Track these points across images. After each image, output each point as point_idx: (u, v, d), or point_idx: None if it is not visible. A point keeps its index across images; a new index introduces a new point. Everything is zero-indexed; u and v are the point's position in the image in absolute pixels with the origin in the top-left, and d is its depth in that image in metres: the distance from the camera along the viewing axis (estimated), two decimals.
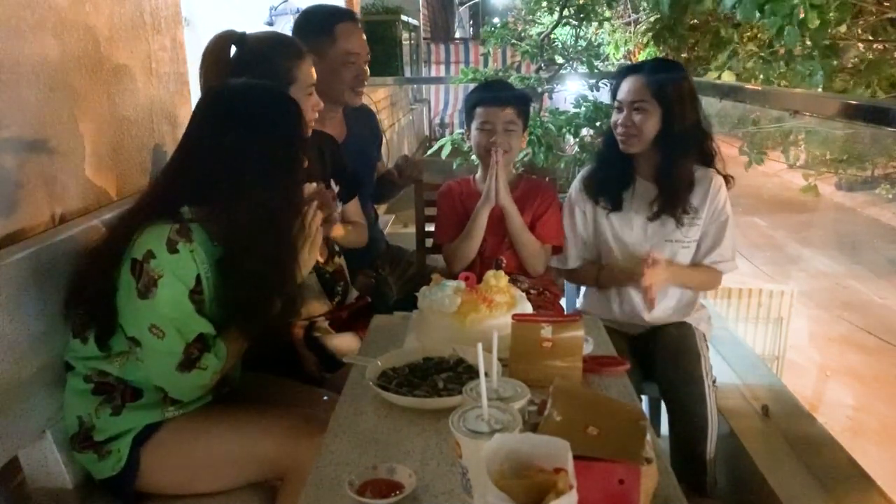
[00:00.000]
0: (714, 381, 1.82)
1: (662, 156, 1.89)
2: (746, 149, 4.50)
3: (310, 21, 2.08)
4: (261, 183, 1.34)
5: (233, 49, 1.74)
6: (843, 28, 4.38)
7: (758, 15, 3.23)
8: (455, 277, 1.57)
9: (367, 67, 2.12)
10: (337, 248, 1.91)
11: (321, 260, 1.83)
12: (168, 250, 1.28)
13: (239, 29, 1.79)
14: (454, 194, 2.13)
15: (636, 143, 1.89)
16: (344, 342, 1.78)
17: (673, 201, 1.88)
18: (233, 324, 1.40)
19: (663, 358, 1.87)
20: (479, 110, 2.00)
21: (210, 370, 1.35)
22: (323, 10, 2.10)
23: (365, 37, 2.13)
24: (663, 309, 1.98)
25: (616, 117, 1.92)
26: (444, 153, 3.90)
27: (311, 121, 1.74)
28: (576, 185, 2.06)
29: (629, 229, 1.95)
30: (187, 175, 1.38)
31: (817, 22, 3.16)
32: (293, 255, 1.43)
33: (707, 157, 1.94)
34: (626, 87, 1.89)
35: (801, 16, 3.15)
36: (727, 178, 1.95)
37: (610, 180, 1.97)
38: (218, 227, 1.34)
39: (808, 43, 3.80)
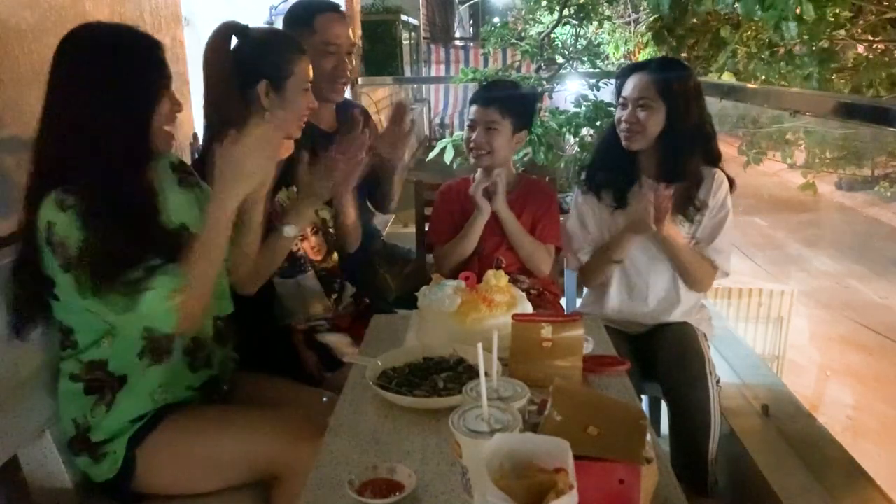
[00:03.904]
0: (718, 381, 1.82)
1: (667, 154, 1.89)
2: (745, 148, 4.50)
3: (292, 14, 2.09)
4: (110, 121, 1.29)
5: (234, 41, 1.75)
6: (842, 32, 4.39)
7: (759, 11, 3.20)
8: (455, 277, 1.57)
9: (349, 60, 2.10)
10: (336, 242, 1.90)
11: (317, 258, 1.83)
12: (60, 209, 1.24)
13: None
14: (453, 194, 2.13)
15: (640, 140, 1.89)
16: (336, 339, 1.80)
17: (681, 199, 1.88)
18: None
19: (666, 358, 1.87)
20: (470, 108, 2.06)
21: (163, 288, 1.26)
22: (305, 2, 2.10)
23: (351, 30, 2.12)
24: (666, 309, 1.98)
25: (620, 114, 1.92)
26: (447, 156, 3.88)
27: (305, 118, 1.75)
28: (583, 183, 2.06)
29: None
30: (51, 142, 1.31)
31: (813, 15, 3.13)
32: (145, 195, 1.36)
33: (711, 157, 1.94)
34: (632, 84, 1.89)
35: (798, 11, 3.13)
36: (730, 181, 1.95)
37: (614, 178, 1.97)
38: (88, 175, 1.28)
39: (807, 37, 3.78)
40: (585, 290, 2.19)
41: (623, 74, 1.96)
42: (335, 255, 1.87)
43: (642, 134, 1.87)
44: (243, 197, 1.33)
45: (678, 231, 1.88)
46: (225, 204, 1.31)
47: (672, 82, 1.85)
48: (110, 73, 1.30)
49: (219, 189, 1.31)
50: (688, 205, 1.90)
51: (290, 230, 1.62)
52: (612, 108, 3.65)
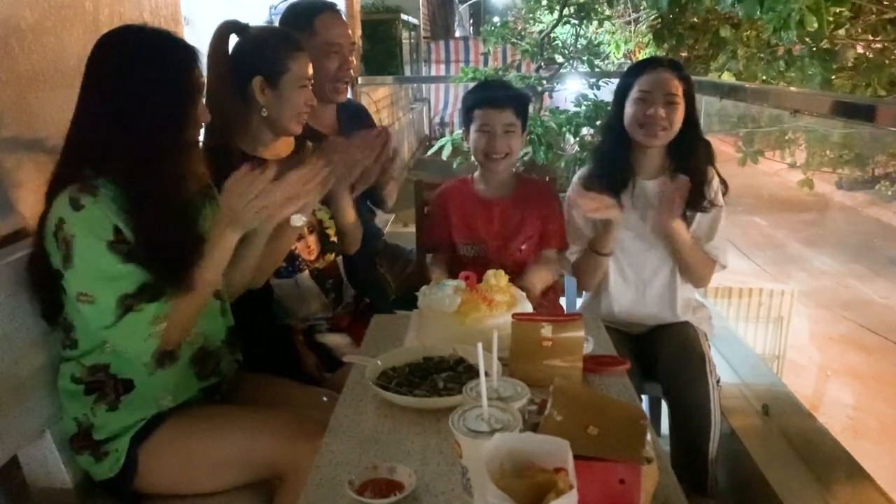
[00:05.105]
0: (718, 381, 1.82)
1: (679, 152, 1.89)
2: (742, 146, 4.50)
3: (291, 16, 2.08)
4: (145, 125, 1.31)
5: (234, 39, 1.76)
6: (842, 31, 4.39)
7: (758, 12, 3.21)
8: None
9: (352, 59, 2.10)
10: (333, 242, 1.90)
11: (311, 257, 1.83)
12: (73, 209, 1.26)
13: None
14: (450, 196, 2.09)
15: (664, 136, 1.86)
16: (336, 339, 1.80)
17: (691, 197, 1.87)
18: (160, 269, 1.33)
19: (667, 358, 1.87)
20: (476, 112, 1.95)
21: (147, 313, 1.28)
22: (304, 4, 2.09)
23: (350, 30, 2.11)
24: (665, 308, 1.98)
25: (641, 108, 1.86)
26: (445, 153, 3.90)
27: (304, 115, 1.74)
28: (574, 184, 2.05)
29: (627, 228, 1.94)
30: (81, 137, 1.34)
31: (815, 25, 3.15)
32: (184, 197, 1.39)
33: (707, 157, 1.94)
34: (656, 78, 1.85)
35: (798, 19, 3.14)
36: (724, 183, 1.95)
37: (610, 181, 1.96)
38: (116, 174, 1.31)
39: (808, 40, 3.79)
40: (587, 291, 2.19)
41: (640, 69, 1.92)
42: (329, 256, 1.87)
43: (668, 131, 1.85)
44: (244, 233, 1.38)
45: (683, 226, 1.88)
46: (225, 235, 1.35)
47: (689, 81, 1.87)
48: (150, 76, 1.31)
49: (223, 221, 1.36)
50: (694, 204, 1.89)
51: (297, 219, 1.63)
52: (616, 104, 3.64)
